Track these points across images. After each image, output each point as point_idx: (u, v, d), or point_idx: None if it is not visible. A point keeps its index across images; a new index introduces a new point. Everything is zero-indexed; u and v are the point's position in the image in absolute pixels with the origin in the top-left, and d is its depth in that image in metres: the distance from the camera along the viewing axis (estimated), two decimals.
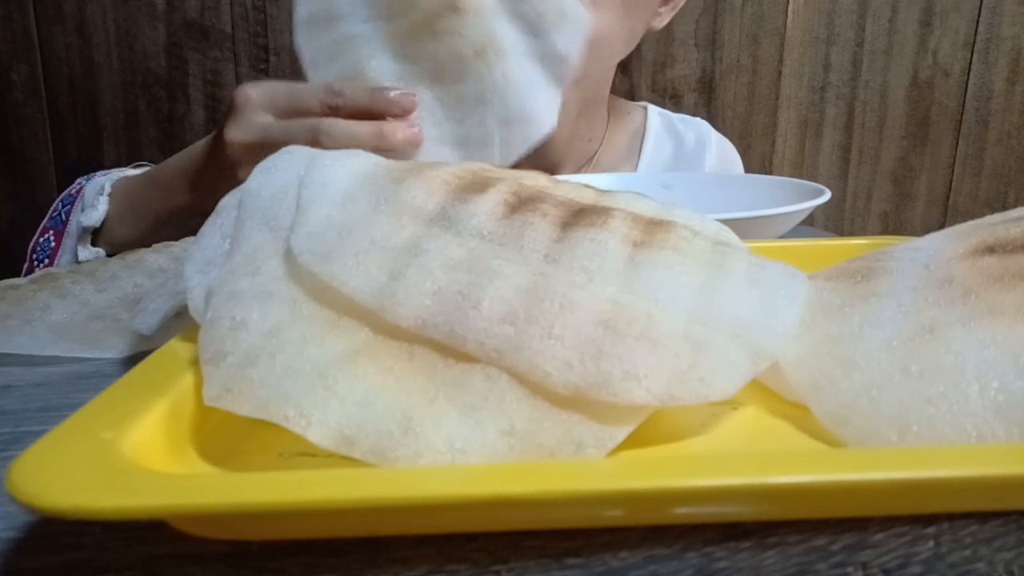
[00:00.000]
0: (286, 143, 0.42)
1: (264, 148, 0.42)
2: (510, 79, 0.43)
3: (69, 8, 0.94)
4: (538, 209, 0.23)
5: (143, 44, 0.96)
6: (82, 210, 0.54)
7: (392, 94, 0.43)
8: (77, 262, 0.52)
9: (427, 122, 0.44)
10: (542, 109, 0.43)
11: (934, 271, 0.22)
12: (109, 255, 0.52)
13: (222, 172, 0.46)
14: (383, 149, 0.41)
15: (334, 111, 0.43)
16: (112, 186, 0.55)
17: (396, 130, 0.42)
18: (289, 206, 0.24)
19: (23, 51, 0.95)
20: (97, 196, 0.54)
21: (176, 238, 0.40)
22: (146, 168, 0.60)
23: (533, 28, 0.44)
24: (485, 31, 0.43)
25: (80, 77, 0.97)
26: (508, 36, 0.43)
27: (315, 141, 0.42)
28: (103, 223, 0.53)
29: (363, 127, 0.42)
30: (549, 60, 0.43)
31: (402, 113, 0.42)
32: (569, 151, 0.69)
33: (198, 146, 0.50)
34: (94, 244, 0.54)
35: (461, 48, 0.43)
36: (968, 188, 1.08)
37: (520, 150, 0.42)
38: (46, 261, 0.54)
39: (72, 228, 0.54)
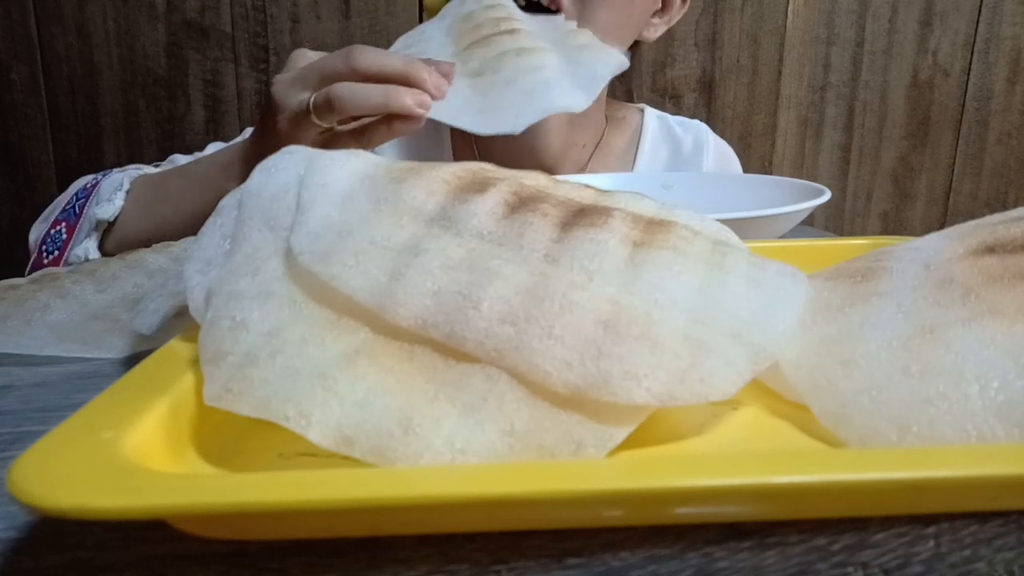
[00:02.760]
0: (310, 107, 0.43)
1: (298, 117, 0.44)
2: (542, 70, 0.45)
3: (69, 8, 0.94)
4: (538, 209, 0.23)
5: (143, 44, 0.96)
6: (97, 203, 0.53)
7: (431, 66, 0.44)
8: (87, 257, 0.52)
9: (455, 98, 0.46)
10: (566, 99, 0.45)
11: (934, 271, 0.22)
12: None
13: (277, 142, 0.46)
14: (393, 110, 0.43)
15: (356, 75, 0.43)
16: (131, 182, 0.54)
17: (406, 94, 0.43)
18: (289, 206, 0.24)
19: (23, 51, 0.95)
20: (114, 191, 0.53)
21: (177, 239, 0.40)
22: (168, 166, 0.59)
23: (572, 55, 0.48)
24: (531, 42, 0.48)
25: (80, 77, 0.97)
26: (550, 54, 0.47)
27: (327, 103, 0.42)
28: (117, 218, 0.53)
29: (372, 88, 0.42)
30: (581, 74, 0.46)
31: (434, 90, 0.43)
32: (563, 158, 0.69)
33: (242, 140, 0.51)
34: (103, 239, 0.53)
35: (506, 48, 0.47)
36: (968, 188, 1.08)
37: (532, 118, 0.44)
38: (56, 253, 0.53)
39: (85, 223, 0.53)
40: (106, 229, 0.53)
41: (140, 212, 0.53)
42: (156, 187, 0.54)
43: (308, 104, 0.43)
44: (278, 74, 0.46)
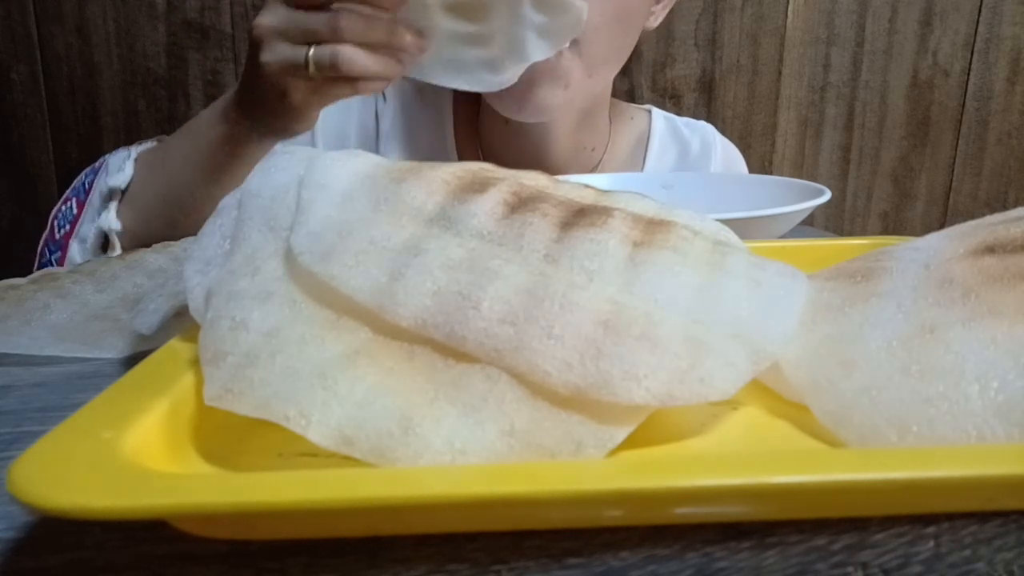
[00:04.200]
0: (307, 34, 0.44)
1: (289, 34, 0.45)
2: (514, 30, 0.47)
3: (69, 8, 0.94)
4: (538, 209, 0.23)
5: (143, 44, 0.96)
6: (107, 175, 0.55)
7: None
8: (100, 229, 0.53)
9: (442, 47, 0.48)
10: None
11: (934, 271, 0.22)
12: (118, 242, 0.53)
13: (259, 87, 0.47)
14: (393, 46, 0.45)
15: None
16: (138, 153, 0.56)
17: (406, 32, 0.45)
18: (289, 206, 0.24)
19: (23, 51, 0.95)
20: (123, 162, 0.55)
21: (188, 194, 0.40)
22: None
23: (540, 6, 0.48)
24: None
25: (80, 77, 0.96)
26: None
27: (334, 32, 0.44)
28: (128, 187, 0.54)
29: (379, 23, 0.44)
30: (545, 34, 0.48)
31: (389, 6, 0.45)
32: (571, 161, 0.68)
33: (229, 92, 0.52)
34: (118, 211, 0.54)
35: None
36: (968, 188, 1.08)
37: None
38: (67, 227, 0.55)
39: (95, 197, 0.54)
40: (120, 200, 0.54)
41: (151, 175, 0.54)
42: (161, 150, 0.55)
43: (298, 25, 0.45)
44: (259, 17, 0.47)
